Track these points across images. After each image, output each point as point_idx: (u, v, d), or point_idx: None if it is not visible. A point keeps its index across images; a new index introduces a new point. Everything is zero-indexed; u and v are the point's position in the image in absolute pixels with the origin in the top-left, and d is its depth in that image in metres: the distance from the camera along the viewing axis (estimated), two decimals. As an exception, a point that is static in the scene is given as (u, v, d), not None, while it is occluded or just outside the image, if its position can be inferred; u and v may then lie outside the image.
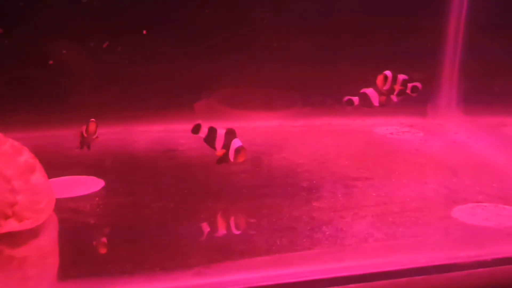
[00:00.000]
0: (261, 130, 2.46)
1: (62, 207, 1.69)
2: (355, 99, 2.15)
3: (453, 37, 2.62)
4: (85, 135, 1.89)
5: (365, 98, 2.14)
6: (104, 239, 1.58)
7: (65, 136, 2.22)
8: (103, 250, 1.53)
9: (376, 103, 2.14)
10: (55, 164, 1.99)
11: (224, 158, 1.82)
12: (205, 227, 1.61)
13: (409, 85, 2.09)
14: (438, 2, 2.58)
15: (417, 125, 2.58)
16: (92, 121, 1.90)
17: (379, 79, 2.01)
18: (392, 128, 2.53)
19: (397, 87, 2.02)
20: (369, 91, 2.14)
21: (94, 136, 1.91)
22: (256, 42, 2.43)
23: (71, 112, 2.08)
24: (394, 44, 2.49)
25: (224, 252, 1.48)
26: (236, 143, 1.79)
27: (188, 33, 2.36)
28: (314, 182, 1.92)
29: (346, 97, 2.16)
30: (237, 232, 1.59)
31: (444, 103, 2.67)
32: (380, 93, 2.10)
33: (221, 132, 1.83)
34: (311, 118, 2.55)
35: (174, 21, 2.33)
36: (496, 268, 1.44)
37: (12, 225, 1.51)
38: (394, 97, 2.04)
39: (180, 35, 2.36)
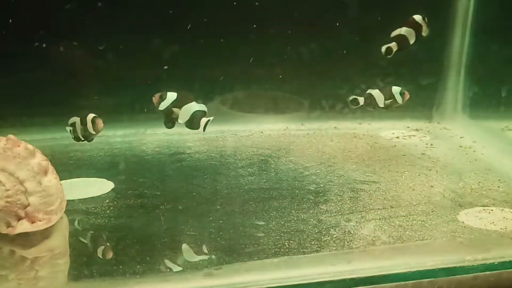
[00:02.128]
0: (268, 134, 2.47)
1: (73, 208, 1.71)
2: (361, 99, 2.15)
3: (459, 41, 2.62)
4: (92, 132, 1.87)
5: (370, 99, 2.14)
6: (114, 241, 1.59)
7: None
8: (113, 252, 1.54)
9: (381, 105, 2.15)
10: (67, 166, 2.02)
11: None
12: (214, 229, 1.61)
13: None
14: (444, 6, 2.59)
15: (423, 129, 2.59)
16: (96, 117, 1.88)
17: None
18: (398, 132, 2.54)
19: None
20: (375, 92, 2.14)
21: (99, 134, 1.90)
22: (265, 47, 2.44)
23: (80, 116, 2.09)
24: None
25: (233, 254, 1.48)
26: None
27: (199, 39, 2.37)
28: (321, 185, 1.93)
29: (352, 96, 2.16)
30: (246, 234, 1.59)
31: (450, 107, 2.67)
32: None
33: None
34: (317, 122, 2.56)
35: (186, 26, 2.35)
36: (503, 271, 1.45)
37: (24, 226, 1.53)
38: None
39: (192, 41, 2.37)
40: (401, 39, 2.01)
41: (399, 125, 2.60)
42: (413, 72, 2.55)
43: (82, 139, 1.90)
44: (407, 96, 2.17)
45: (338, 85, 2.50)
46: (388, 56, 2.01)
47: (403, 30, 2.01)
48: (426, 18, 2.04)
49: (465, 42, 2.61)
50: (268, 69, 2.48)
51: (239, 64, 2.43)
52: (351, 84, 2.39)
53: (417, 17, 2.03)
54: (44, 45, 2.19)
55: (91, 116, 1.86)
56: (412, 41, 2.02)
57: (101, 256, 1.50)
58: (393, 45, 2.04)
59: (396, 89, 2.16)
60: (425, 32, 2.02)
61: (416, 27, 2.03)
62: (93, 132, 1.87)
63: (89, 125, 1.85)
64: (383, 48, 2.03)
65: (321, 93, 2.56)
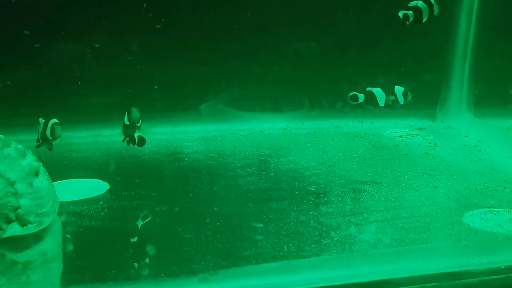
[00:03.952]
0: (268, 133, 2.44)
1: (66, 210, 1.68)
2: (360, 96, 2.10)
3: (464, 37, 2.58)
4: (50, 137, 1.81)
5: (371, 97, 2.09)
6: (107, 244, 1.56)
7: (69, 138, 2.21)
8: (107, 255, 1.51)
9: (381, 104, 2.10)
10: (59, 167, 1.99)
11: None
12: (211, 232, 1.58)
13: None
14: (448, 2, 2.55)
15: (426, 128, 2.55)
16: (57, 123, 1.83)
17: None
18: (401, 131, 2.49)
19: None
20: (376, 90, 2.10)
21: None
22: (263, 43, 2.41)
23: (75, 115, 2.07)
24: (403, 46, 2.45)
25: (230, 257, 1.45)
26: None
27: (194, 35, 2.34)
28: (322, 186, 1.89)
29: (352, 92, 2.11)
30: (243, 237, 1.56)
31: (454, 106, 2.63)
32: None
33: None
34: (318, 121, 2.52)
35: (180, 23, 2.32)
36: (509, 275, 1.41)
37: (15, 229, 1.49)
38: None
39: (187, 37, 2.34)
40: (417, 11, 1.95)
41: (402, 124, 2.56)
42: (416, 69, 2.51)
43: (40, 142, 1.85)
44: (409, 97, 2.13)
45: (339, 83, 2.46)
46: (407, 22, 1.94)
47: (419, 3, 1.95)
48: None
49: (469, 37, 2.57)
50: (266, 66, 2.45)
51: (235, 61, 2.39)
52: (353, 82, 2.35)
53: None
54: (31, 43, 2.16)
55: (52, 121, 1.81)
56: (425, 18, 1.96)
57: (94, 260, 1.46)
58: (411, 14, 1.97)
59: (398, 89, 2.12)
60: (435, 11, 1.95)
61: (430, 4, 1.97)
62: (51, 138, 1.81)
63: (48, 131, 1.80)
64: (400, 14, 1.96)
65: (322, 91, 2.53)
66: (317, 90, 2.52)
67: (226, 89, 2.48)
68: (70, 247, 1.53)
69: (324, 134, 2.43)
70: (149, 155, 2.17)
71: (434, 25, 2.40)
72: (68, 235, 1.57)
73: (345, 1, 2.43)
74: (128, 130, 1.82)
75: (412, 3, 1.96)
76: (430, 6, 1.95)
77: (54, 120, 1.79)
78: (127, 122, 1.80)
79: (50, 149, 1.83)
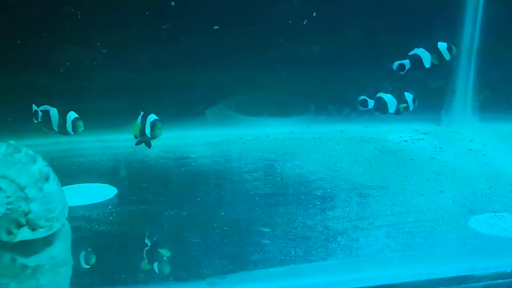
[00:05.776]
0: (274, 138, 2.44)
1: (75, 215, 1.69)
2: (370, 102, 2.09)
3: (468, 42, 2.58)
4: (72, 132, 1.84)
5: (381, 103, 2.08)
6: (116, 249, 1.57)
7: (77, 143, 2.22)
8: (115, 260, 1.52)
9: (391, 110, 2.08)
10: (69, 172, 2.00)
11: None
12: (218, 236, 1.58)
13: None
14: (453, 7, 2.55)
15: (431, 132, 2.55)
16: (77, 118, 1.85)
17: None
18: (406, 135, 2.49)
19: None
20: (387, 96, 2.08)
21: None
22: (270, 49, 2.41)
23: (84, 120, 2.08)
24: (409, 51, 2.46)
25: (237, 262, 1.46)
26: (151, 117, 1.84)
27: (201, 41, 2.35)
28: (328, 190, 1.89)
29: (362, 97, 2.09)
30: (251, 242, 1.56)
31: (459, 110, 2.63)
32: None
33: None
34: (324, 126, 2.52)
35: (188, 28, 2.33)
36: (515, 280, 1.42)
37: (25, 234, 1.50)
38: None
39: (194, 43, 2.35)
40: (416, 59, 1.97)
41: (407, 129, 2.55)
42: (421, 73, 2.51)
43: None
44: (416, 103, 2.14)
45: (344, 88, 2.46)
46: (401, 72, 1.98)
47: (419, 51, 1.98)
48: (452, 48, 2.00)
49: (474, 42, 2.57)
50: (272, 71, 2.45)
51: (242, 67, 2.40)
52: (358, 87, 2.35)
53: (441, 45, 2.00)
54: (42, 47, 2.17)
55: (72, 116, 1.84)
56: (427, 65, 1.97)
57: (103, 264, 1.47)
58: (406, 62, 2.00)
59: (408, 95, 2.11)
60: (445, 57, 1.98)
61: (436, 53, 1.99)
62: (72, 133, 1.84)
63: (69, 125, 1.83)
64: (395, 65, 2.00)
65: (327, 96, 2.53)
66: (323, 95, 2.53)
67: (232, 94, 2.49)
68: (79, 251, 1.53)
69: (329, 139, 2.43)
70: (156, 160, 2.18)
71: (439, 31, 2.41)
72: (77, 240, 1.58)
73: (351, 7, 2.44)
74: (146, 139, 1.86)
75: (412, 52, 1.98)
76: (436, 52, 1.96)
77: (74, 115, 1.83)
78: (148, 135, 1.83)
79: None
